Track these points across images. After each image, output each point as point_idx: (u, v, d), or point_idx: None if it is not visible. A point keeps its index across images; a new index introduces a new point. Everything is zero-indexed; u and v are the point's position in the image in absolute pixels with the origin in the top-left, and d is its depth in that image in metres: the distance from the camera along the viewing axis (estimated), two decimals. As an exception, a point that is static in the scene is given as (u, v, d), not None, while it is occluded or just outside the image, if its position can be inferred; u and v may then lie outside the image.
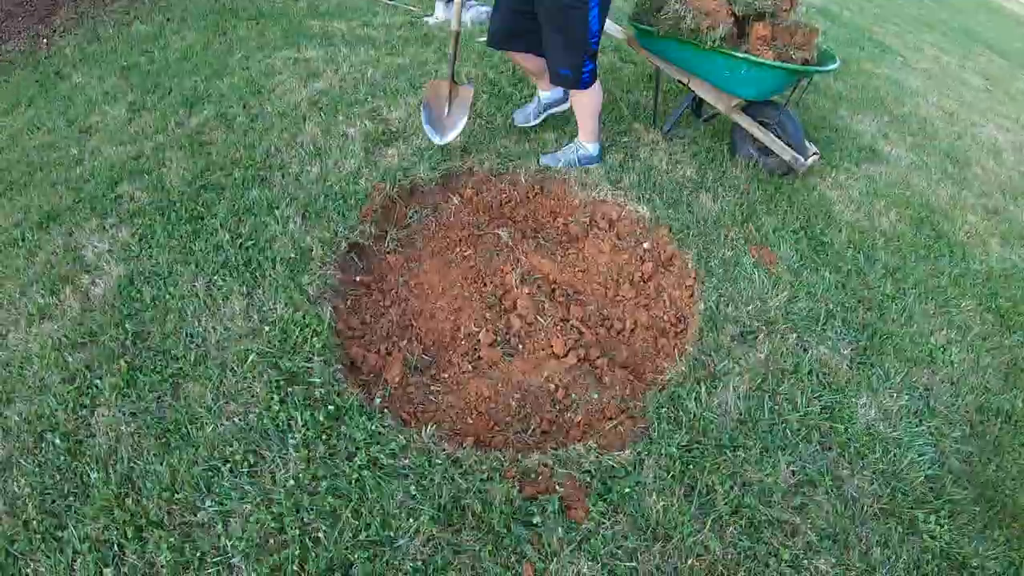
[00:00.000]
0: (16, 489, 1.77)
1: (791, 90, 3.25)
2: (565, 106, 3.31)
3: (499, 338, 2.49)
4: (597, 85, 2.90)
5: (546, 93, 3.28)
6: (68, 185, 3.03)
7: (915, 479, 1.96)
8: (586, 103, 2.94)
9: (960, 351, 2.48)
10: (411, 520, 1.70)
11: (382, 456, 1.85)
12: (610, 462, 1.88)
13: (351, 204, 2.80)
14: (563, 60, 2.75)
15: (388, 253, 2.79)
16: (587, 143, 3.07)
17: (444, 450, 1.90)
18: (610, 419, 2.13)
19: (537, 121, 3.33)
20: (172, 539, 1.64)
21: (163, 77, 4.04)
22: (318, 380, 2.05)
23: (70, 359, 2.14)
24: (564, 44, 2.70)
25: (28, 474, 1.81)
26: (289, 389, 2.02)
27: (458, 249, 2.98)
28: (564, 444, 2.02)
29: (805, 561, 1.71)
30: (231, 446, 1.86)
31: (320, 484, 1.76)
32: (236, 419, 1.94)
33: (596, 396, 2.21)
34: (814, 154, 3.27)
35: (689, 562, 1.68)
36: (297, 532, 1.65)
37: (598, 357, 2.38)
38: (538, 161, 3.06)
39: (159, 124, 3.44)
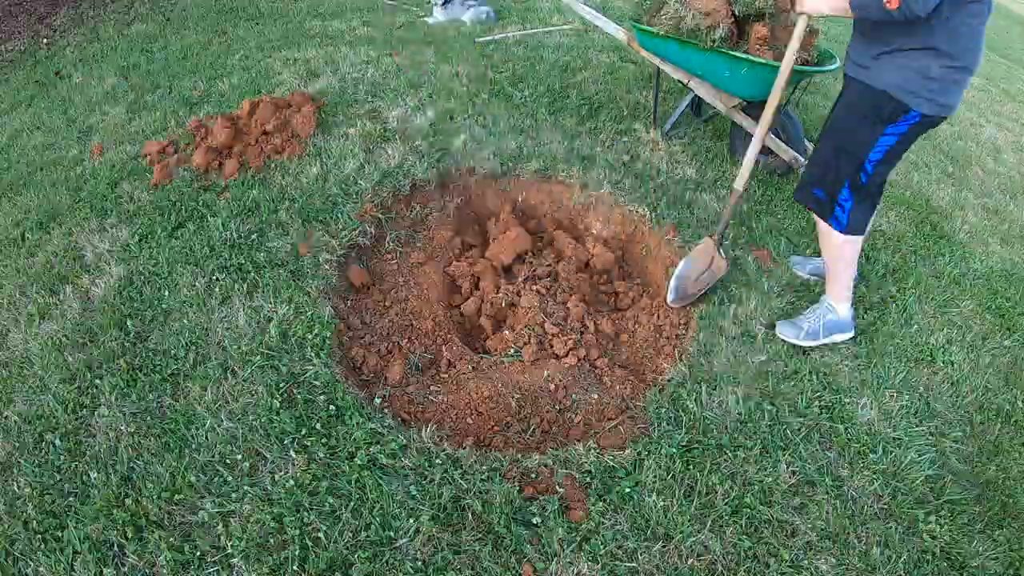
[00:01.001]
0: (16, 489, 1.77)
1: (791, 90, 3.25)
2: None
3: (499, 338, 2.49)
4: (858, 238, 2.24)
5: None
6: (68, 185, 3.04)
7: (915, 479, 1.96)
8: (838, 252, 2.26)
9: (960, 351, 2.48)
10: (411, 520, 1.70)
11: (382, 456, 1.85)
12: (610, 462, 1.88)
13: (351, 204, 2.80)
14: (819, 176, 2.20)
15: (388, 253, 2.79)
16: (836, 303, 2.35)
17: (444, 450, 1.90)
18: (610, 419, 2.13)
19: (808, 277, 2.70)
20: (172, 539, 1.64)
21: (163, 77, 4.04)
22: (318, 380, 2.05)
23: (70, 359, 2.14)
24: (830, 152, 2.16)
25: (28, 474, 1.81)
26: (289, 389, 2.02)
27: (458, 249, 2.98)
28: (564, 444, 2.02)
29: (805, 561, 1.71)
30: (231, 446, 1.86)
31: (320, 484, 1.76)
32: (236, 419, 1.94)
33: (596, 396, 2.21)
34: (814, 154, 3.26)
35: (689, 562, 1.68)
36: (297, 532, 1.65)
37: (598, 357, 2.38)
38: (774, 329, 2.39)
39: (159, 124, 3.44)
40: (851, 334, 2.37)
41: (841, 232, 2.20)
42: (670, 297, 2.52)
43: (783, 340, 2.34)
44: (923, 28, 1.87)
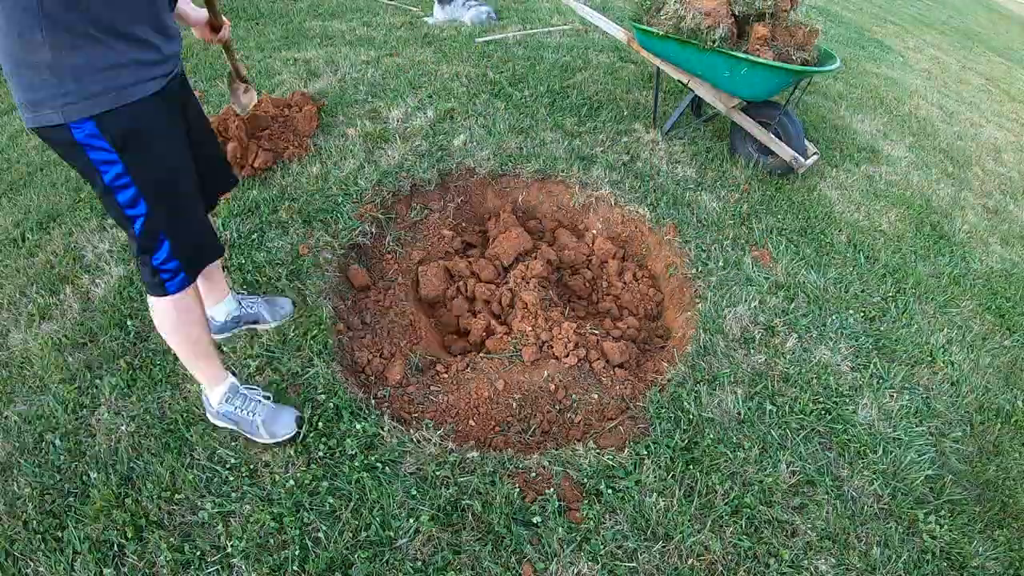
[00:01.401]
0: (16, 489, 1.77)
1: (791, 90, 3.25)
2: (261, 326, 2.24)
3: (500, 338, 2.49)
4: (172, 298, 1.60)
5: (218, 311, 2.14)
6: (68, 185, 3.03)
7: (915, 479, 1.96)
8: (159, 321, 1.68)
9: (960, 351, 2.48)
10: (411, 520, 1.70)
11: (382, 457, 1.85)
12: (610, 462, 1.88)
13: (351, 204, 2.80)
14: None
15: (388, 253, 2.79)
16: (212, 388, 1.85)
17: (444, 450, 1.90)
18: (610, 419, 2.13)
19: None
20: (172, 539, 1.64)
21: (163, 77, 4.04)
22: (318, 380, 2.05)
23: (70, 359, 2.14)
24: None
25: (28, 474, 1.81)
26: (289, 389, 2.02)
27: (458, 249, 2.98)
28: (564, 444, 2.02)
29: (805, 561, 1.71)
30: (231, 447, 1.86)
31: (320, 484, 1.76)
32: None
33: (596, 396, 2.21)
34: (814, 154, 3.27)
35: (689, 562, 1.68)
36: (297, 532, 1.65)
37: (598, 358, 2.38)
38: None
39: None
40: (226, 417, 1.87)
41: (171, 294, 1.59)
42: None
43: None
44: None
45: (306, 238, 2.61)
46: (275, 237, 2.61)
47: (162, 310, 1.62)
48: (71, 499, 1.75)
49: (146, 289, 1.62)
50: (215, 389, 1.84)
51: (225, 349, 2.15)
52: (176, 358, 2.12)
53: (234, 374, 1.92)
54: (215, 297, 2.10)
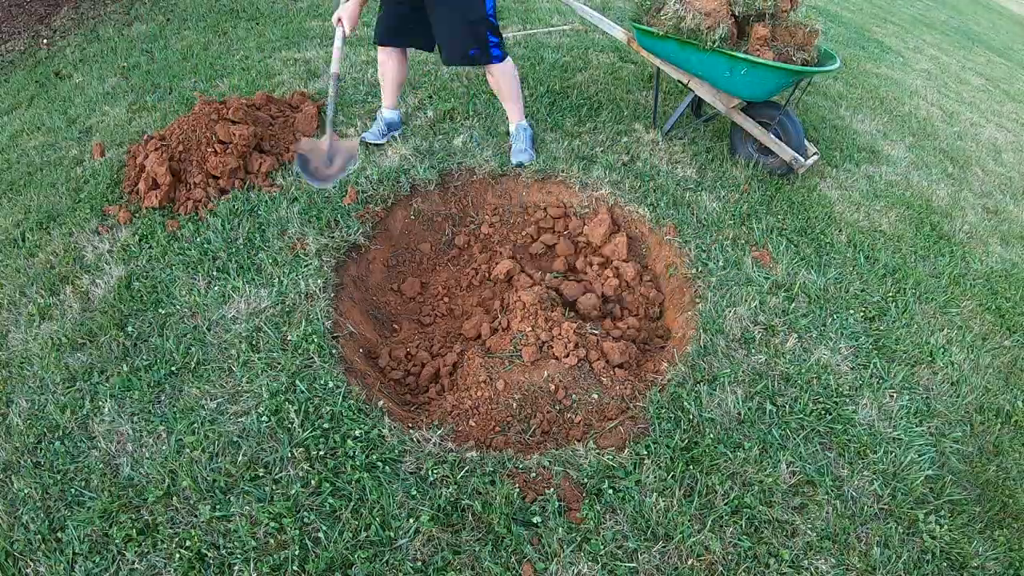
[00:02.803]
0: (16, 490, 1.77)
1: (791, 90, 3.25)
2: (399, 131, 3.26)
3: (499, 337, 2.49)
4: (510, 61, 2.90)
5: (390, 113, 3.21)
6: (68, 185, 3.04)
7: (915, 479, 1.96)
8: (507, 81, 2.94)
9: (960, 351, 2.48)
10: (411, 520, 1.70)
11: (382, 457, 1.85)
12: (610, 462, 1.88)
13: (351, 204, 2.79)
14: (466, 41, 2.71)
15: (388, 253, 2.79)
16: (523, 121, 3.11)
17: (444, 450, 1.90)
18: (610, 419, 2.13)
19: (383, 141, 3.18)
20: (172, 540, 1.64)
21: (163, 77, 4.04)
22: (318, 381, 2.05)
23: (70, 360, 2.14)
24: (461, 22, 2.65)
25: (28, 475, 1.81)
26: (289, 390, 2.02)
27: (459, 249, 2.98)
28: (564, 444, 2.02)
29: (805, 561, 1.71)
30: (231, 447, 1.86)
31: (320, 484, 1.76)
32: (236, 420, 1.94)
33: (596, 396, 2.21)
34: (814, 154, 3.27)
35: (689, 562, 1.68)
36: (297, 532, 1.65)
37: (598, 359, 2.38)
38: (513, 164, 3.05)
39: (159, 124, 3.44)
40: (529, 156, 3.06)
41: (502, 59, 2.83)
42: (317, 187, 2.76)
43: (519, 163, 3.01)
44: None
45: (306, 238, 2.61)
46: (275, 237, 2.61)
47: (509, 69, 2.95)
48: (71, 500, 1.75)
49: (493, 60, 2.83)
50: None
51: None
52: (177, 358, 2.12)
53: None
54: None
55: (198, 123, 2.92)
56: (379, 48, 2.97)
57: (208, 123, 2.92)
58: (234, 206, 2.75)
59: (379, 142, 3.15)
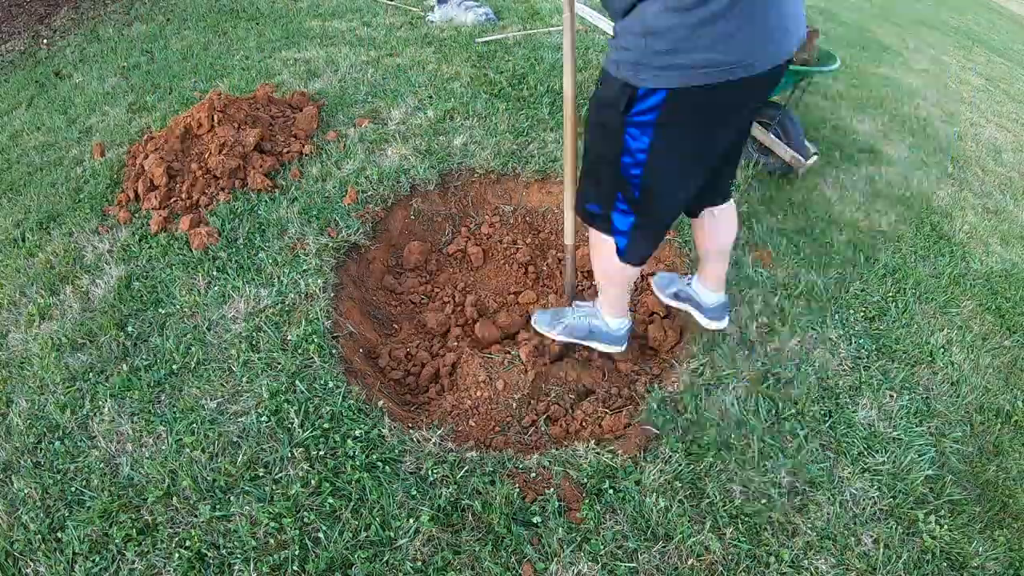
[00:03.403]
0: (16, 490, 1.77)
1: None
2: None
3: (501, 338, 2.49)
4: (624, 263, 1.81)
5: (708, 296, 2.16)
6: (68, 185, 3.04)
7: (915, 479, 1.96)
8: (608, 272, 1.89)
9: (960, 351, 2.48)
10: (411, 520, 1.70)
11: (382, 457, 1.85)
12: (610, 462, 1.88)
13: (351, 204, 2.80)
14: (592, 186, 1.75)
15: (388, 253, 2.79)
16: (608, 317, 2.06)
17: (444, 451, 1.90)
18: (610, 419, 2.13)
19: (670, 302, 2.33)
20: (172, 540, 1.64)
21: (163, 77, 4.04)
22: (318, 380, 2.05)
23: (70, 360, 2.14)
24: (596, 159, 1.68)
25: (28, 475, 1.81)
26: (289, 390, 2.02)
27: (459, 250, 2.98)
28: (564, 444, 2.02)
29: (805, 561, 1.71)
30: (231, 447, 1.86)
31: (320, 484, 1.76)
32: (236, 420, 1.94)
33: (596, 396, 2.21)
34: (814, 154, 3.27)
35: (689, 562, 1.68)
36: (297, 532, 1.65)
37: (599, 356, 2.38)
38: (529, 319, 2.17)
39: (159, 124, 3.44)
40: (620, 349, 2.08)
41: (619, 258, 1.77)
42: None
43: (535, 328, 2.14)
44: None
45: (306, 238, 2.61)
46: (274, 237, 2.61)
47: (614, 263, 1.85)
48: (71, 500, 1.75)
49: (601, 229, 1.80)
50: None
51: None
52: (177, 358, 2.13)
53: None
54: None
55: (198, 123, 2.92)
56: None
57: (208, 123, 2.92)
58: (234, 206, 2.75)
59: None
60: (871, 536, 1.80)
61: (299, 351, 2.14)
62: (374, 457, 1.84)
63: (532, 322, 2.09)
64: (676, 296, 2.27)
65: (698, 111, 1.39)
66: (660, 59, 1.30)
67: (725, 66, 1.28)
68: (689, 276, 2.23)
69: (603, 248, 1.80)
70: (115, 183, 2.98)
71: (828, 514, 1.83)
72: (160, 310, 2.32)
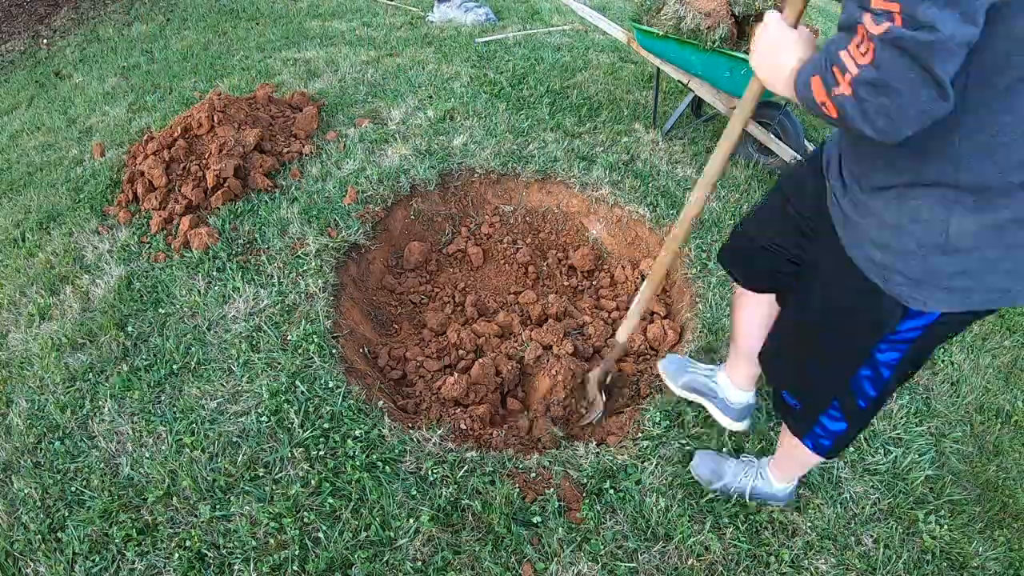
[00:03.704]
0: (16, 490, 1.77)
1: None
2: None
3: (503, 338, 2.49)
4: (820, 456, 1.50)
5: (739, 396, 1.89)
6: (68, 185, 3.04)
7: (915, 479, 1.96)
8: (798, 457, 1.58)
9: (960, 351, 2.48)
10: (411, 520, 1.70)
11: (382, 456, 1.85)
12: (610, 462, 1.88)
13: (351, 204, 2.80)
14: (792, 378, 1.45)
15: (388, 254, 2.79)
16: (777, 481, 1.78)
17: (444, 450, 1.90)
18: (610, 419, 2.13)
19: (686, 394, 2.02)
20: (172, 540, 1.64)
21: (163, 77, 4.04)
22: (318, 381, 2.05)
23: (70, 360, 2.14)
24: (802, 352, 1.38)
25: (28, 475, 1.81)
26: (289, 390, 2.02)
27: (459, 250, 2.98)
28: (564, 444, 2.02)
29: (805, 561, 1.71)
30: (231, 447, 1.86)
31: (320, 484, 1.76)
32: (236, 420, 1.94)
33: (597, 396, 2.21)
34: (814, 154, 3.26)
35: (689, 562, 1.68)
36: (297, 532, 1.65)
37: (600, 353, 2.38)
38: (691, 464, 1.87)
39: (159, 124, 3.44)
40: (735, 425, 1.91)
41: (816, 453, 1.47)
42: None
43: (695, 474, 1.84)
44: (934, 142, 0.94)
45: (306, 238, 2.61)
46: (275, 237, 2.61)
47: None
48: (71, 500, 1.75)
49: (805, 442, 1.45)
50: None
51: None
52: (177, 358, 2.13)
53: None
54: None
55: (198, 123, 2.92)
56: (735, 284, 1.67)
57: (208, 123, 2.92)
58: (234, 206, 2.75)
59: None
60: (871, 536, 1.80)
61: (299, 351, 2.14)
62: (374, 457, 1.84)
63: (693, 466, 1.84)
64: (692, 388, 1.96)
65: (952, 328, 1.17)
66: (955, 280, 1.03)
67: (1014, 293, 1.04)
68: (712, 367, 1.97)
69: (800, 446, 1.49)
70: (115, 183, 2.98)
71: (828, 514, 1.83)
72: (160, 310, 2.32)
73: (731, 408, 1.89)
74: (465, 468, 1.84)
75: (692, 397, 1.97)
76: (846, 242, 1.15)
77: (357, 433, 1.90)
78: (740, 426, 1.92)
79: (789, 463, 1.68)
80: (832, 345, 1.27)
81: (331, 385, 2.04)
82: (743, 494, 1.79)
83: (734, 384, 1.86)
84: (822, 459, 1.48)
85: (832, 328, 1.26)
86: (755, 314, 1.64)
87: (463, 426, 2.01)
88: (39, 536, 1.66)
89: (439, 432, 1.96)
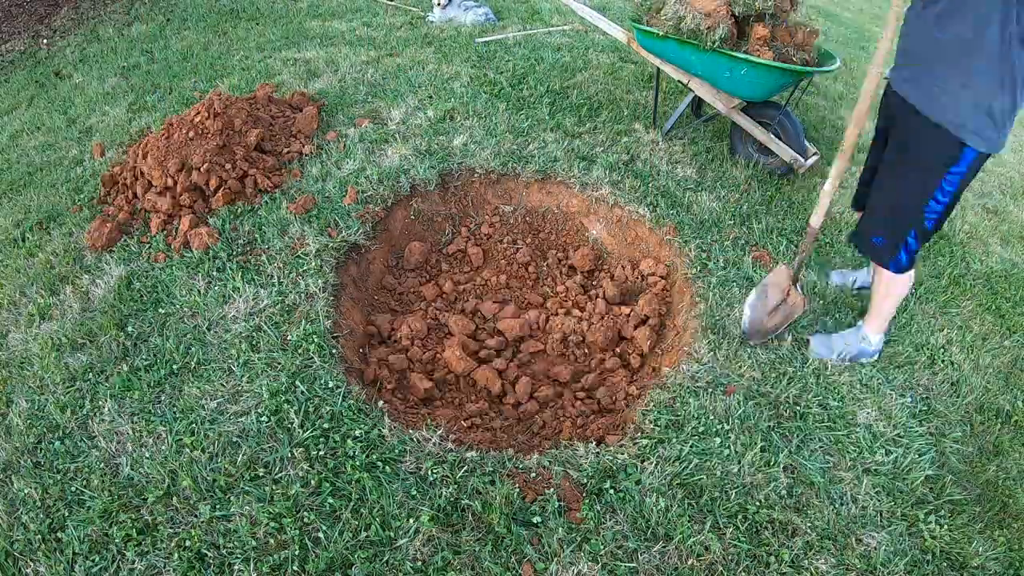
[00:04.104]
0: (16, 490, 1.77)
1: (791, 90, 3.25)
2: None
3: (502, 340, 2.49)
4: (911, 273, 2.19)
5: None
6: (68, 185, 3.04)
7: (915, 479, 1.96)
8: (890, 289, 2.22)
9: (960, 351, 2.48)
10: (411, 520, 1.70)
11: (382, 457, 1.85)
12: (610, 462, 1.88)
13: (351, 204, 2.80)
14: (881, 224, 2.13)
15: (388, 253, 2.79)
16: (872, 334, 2.31)
17: (444, 451, 1.90)
18: (610, 418, 2.13)
19: (852, 286, 2.67)
20: (172, 540, 1.64)
21: (163, 77, 4.04)
22: (318, 381, 2.05)
23: (70, 360, 2.14)
24: (892, 200, 2.07)
25: (28, 475, 1.81)
26: (289, 390, 2.02)
27: (459, 250, 2.98)
28: (564, 444, 2.02)
29: (805, 561, 1.71)
30: (231, 447, 1.86)
31: (320, 484, 1.76)
32: (236, 420, 1.94)
33: (597, 395, 2.21)
34: (814, 154, 3.27)
35: (689, 562, 1.68)
36: (297, 532, 1.65)
37: (600, 354, 2.38)
38: (808, 345, 2.33)
39: (159, 124, 3.44)
40: (875, 358, 2.34)
41: (897, 272, 2.14)
42: (745, 330, 2.32)
43: (815, 356, 2.29)
44: (995, 49, 1.70)
45: (306, 238, 2.61)
46: (274, 237, 2.61)
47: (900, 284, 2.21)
48: (71, 500, 1.75)
49: (890, 267, 2.14)
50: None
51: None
52: (177, 358, 2.13)
53: None
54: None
55: (199, 123, 2.92)
56: None
57: (208, 123, 2.92)
58: (234, 206, 2.75)
59: (848, 285, 2.64)
60: (871, 536, 1.80)
61: (299, 351, 2.14)
62: (374, 457, 1.84)
63: (812, 350, 2.31)
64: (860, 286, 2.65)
65: (981, 163, 1.89)
66: (994, 130, 1.80)
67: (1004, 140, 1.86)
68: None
69: (885, 278, 2.17)
70: (115, 183, 2.98)
71: (828, 514, 1.83)
72: (160, 310, 2.32)
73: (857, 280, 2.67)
74: (465, 468, 1.84)
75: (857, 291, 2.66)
76: (933, 113, 1.86)
77: (357, 433, 1.90)
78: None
79: (881, 301, 2.25)
80: (910, 190, 1.98)
81: (331, 385, 2.03)
82: (855, 356, 2.30)
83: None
84: (902, 276, 2.14)
85: (912, 178, 1.97)
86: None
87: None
88: (39, 536, 1.66)
89: (439, 432, 1.96)
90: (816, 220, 2.22)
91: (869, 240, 2.15)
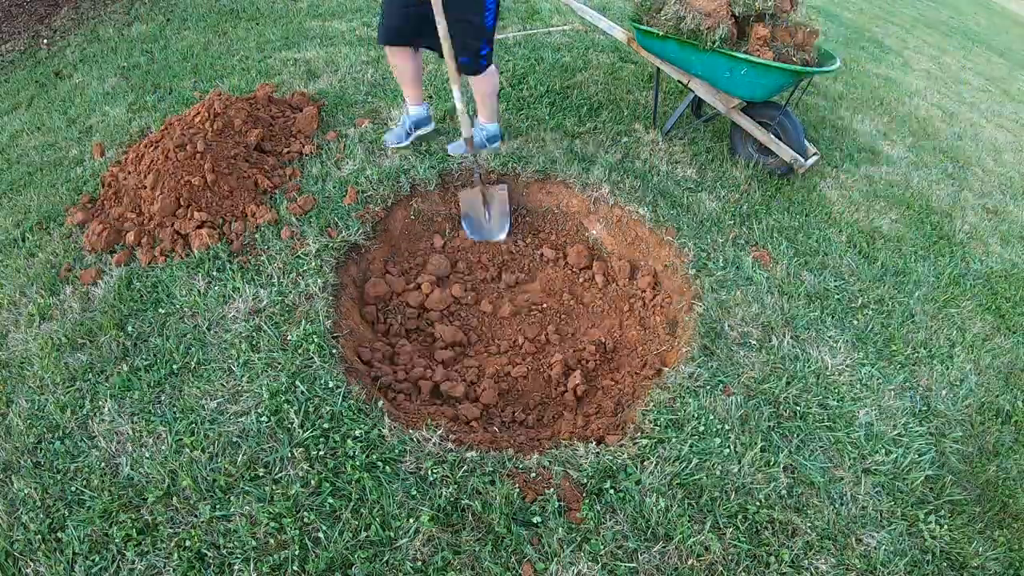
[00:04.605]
0: (16, 490, 1.77)
1: (791, 90, 3.25)
2: (429, 127, 3.22)
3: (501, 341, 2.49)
4: (493, 68, 2.89)
5: (417, 109, 3.12)
6: (68, 185, 3.03)
7: (915, 479, 1.96)
8: (484, 86, 2.94)
9: (960, 351, 2.48)
10: (411, 520, 1.70)
11: (382, 456, 1.85)
12: (610, 462, 1.88)
13: (351, 204, 2.80)
14: (460, 48, 2.67)
15: (388, 253, 2.79)
16: (488, 123, 3.11)
17: (444, 450, 1.90)
18: (610, 418, 2.13)
19: (407, 143, 3.16)
20: (172, 540, 1.64)
21: (163, 77, 4.04)
22: (318, 381, 2.05)
23: (70, 360, 2.14)
24: (463, 31, 2.63)
25: (28, 475, 1.81)
26: (289, 390, 2.02)
27: (458, 251, 2.98)
28: (564, 444, 2.02)
29: (805, 561, 1.71)
30: (231, 447, 1.86)
31: (320, 484, 1.76)
32: (236, 420, 1.94)
33: (597, 395, 2.21)
34: (814, 154, 3.27)
35: (689, 562, 1.68)
36: (297, 532, 1.65)
37: (599, 355, 2.38)
38: (446, 151, 3.09)
39: (159, 125, 3.43)
40: (502, 139, 3.19)
41: (487, 68, 2.82)
42: (488, 239, 2.94)
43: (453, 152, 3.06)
44: None
45: (306, 238, 2.61)
46: (274, 237, 2.61)
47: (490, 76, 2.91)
48: (71, 500, 1.75)
49: (480, 71, 2.82)
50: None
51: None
52: (177, 358, 2.13)
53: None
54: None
55: (199, 123, 2.91)
56: (387, 48, 2.87)
57: (208, 123, 2.92)
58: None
59: (402, 144, 3.12)
60: (871, 536, 1.80)
61: (299, 351, 2.14)
62: (374, 457, 1.84)
63: (449, 150, 3.10)
64: (411, 134, 3.20)
65: None
66: None
67: None
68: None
69: (479, 81, 2.89)
70: (113, 187, 2.97)
71: (828, 514, 1.83)
72: (160, 310, 2.32)
73: (407, 123, 3.16)
74: (465, 468, 1.84)
75: (406, 142, 3.16)
76: None
77: (357, 433, 1.90)
78: (406, 142, 3.16)
79: (489, 105, 3.05)
80: (472, 10, 2.60)
81: (331, 385, 2.04)
82: (485, 141, 3.14)
83: (413, 103, 3.11)
84: (487, 73, 2.86)
85: (468, 4, 2.58)
86: (411, 61, 2.91)
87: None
88: (39, 536, 1.66)
89: (439, 432, 1.96)
90: (466, 132, 2.80)
91: (459, 62, 2.69)
